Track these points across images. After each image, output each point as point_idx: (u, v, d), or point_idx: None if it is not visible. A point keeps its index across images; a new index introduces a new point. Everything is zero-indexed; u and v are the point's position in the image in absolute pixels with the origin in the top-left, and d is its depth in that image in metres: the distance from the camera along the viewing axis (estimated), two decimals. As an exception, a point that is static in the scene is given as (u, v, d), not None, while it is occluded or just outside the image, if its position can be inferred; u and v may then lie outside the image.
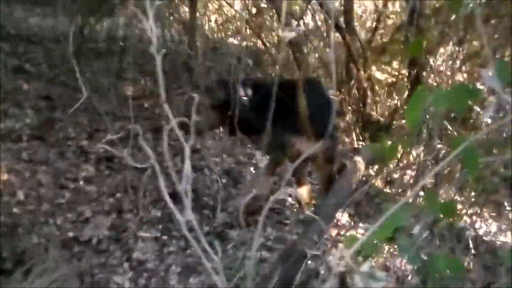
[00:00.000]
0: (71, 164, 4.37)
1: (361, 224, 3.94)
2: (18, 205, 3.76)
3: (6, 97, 5.21)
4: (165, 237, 3.64)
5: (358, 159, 3.94)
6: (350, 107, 5.53)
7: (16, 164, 4.28)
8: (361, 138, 5.43)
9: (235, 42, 6.56)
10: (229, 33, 6.44)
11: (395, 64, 6.05)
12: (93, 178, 4.20)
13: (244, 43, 6.36)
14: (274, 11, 6.05)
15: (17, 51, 6.66)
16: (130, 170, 4.13)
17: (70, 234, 3.55)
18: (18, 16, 7.56)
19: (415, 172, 3.97)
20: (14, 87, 5.52)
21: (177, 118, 1.65)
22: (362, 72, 5.48)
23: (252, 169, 4.63)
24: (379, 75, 6.08)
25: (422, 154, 3.88)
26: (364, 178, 4.28)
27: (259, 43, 6.56)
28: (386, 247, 2.93)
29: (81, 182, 4.12)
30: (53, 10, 7.57)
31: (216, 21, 6.72)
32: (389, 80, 6.08)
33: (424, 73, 5.18)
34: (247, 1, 6.37)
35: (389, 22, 6.50)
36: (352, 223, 4.00)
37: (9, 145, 4.53)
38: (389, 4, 6.36)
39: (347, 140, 5.46)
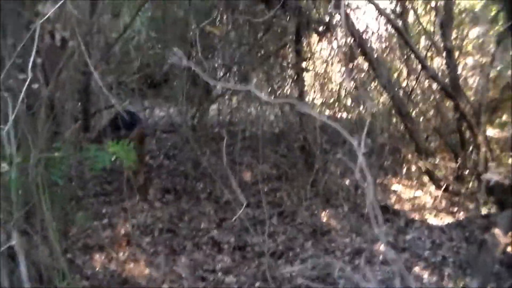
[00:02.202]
0: (207, 255, 4.54)
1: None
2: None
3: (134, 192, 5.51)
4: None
5: (497, 231, 3.85)
6: (470, 172, 5.42)
7: (154, 258, 4.50)
8: (487, 203, 5.28)
9: (342, 115, 6.66)
10: (336, 108, 6.56)
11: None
12: (230, 268, 4.33)
13: (350, 116, 6.45)
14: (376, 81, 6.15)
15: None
16: (266, 257, 4.22)
17: (222, 326, 3.66)
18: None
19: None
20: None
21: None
22: (478, 135, 5.39)
23: (382, 246, 4.60)
24: (493, 133, 5.96)
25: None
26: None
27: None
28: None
29: (219, 274, 4.25)
30: (162, 102, 8.04)
31: (321, 97, 6.88)
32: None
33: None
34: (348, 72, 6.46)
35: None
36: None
37: (145, 239, 4.77)
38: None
39: (471, 206, 5.32)
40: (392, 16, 5.97)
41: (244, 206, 2.72)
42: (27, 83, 2.10)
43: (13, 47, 2.77)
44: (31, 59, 2.12)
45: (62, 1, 2.32)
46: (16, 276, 3.40)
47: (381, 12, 5.32)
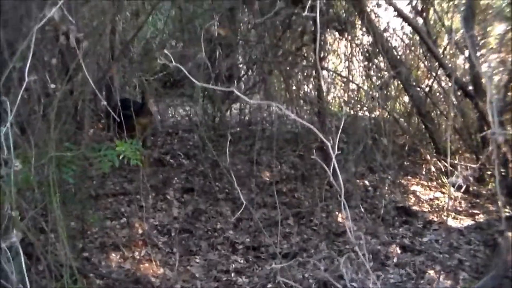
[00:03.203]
0: (221, 256, 4.56)
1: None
2: (177, 300, 3.96)
3: (153, 191, 5.57)
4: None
5: (510, 234, 3.79)
6: (491, 173, 5.33)
7: (169, 258, 4.54)
8: (507, 206, 5.17)
9: (362, 114, 6.58)
10: (358, 108, 6.48)
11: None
12: (243, 269, 4.34)
13: (373, 115, 6.38)
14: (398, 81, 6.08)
15: (156, 143, 7.12)
16: (278, 259, 4.22)
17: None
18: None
19: None
20: (160, 180, 5.90)
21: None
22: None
23: (398, 249, 4.56)
24: (516, 134, 5.82)
25: None
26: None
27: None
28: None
29: (233, 274, 4.26)
30: (184, 101, 8.09)
31: (341, 97, 6.83)
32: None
33: None
34: (370, 73, 6.40)
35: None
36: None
37: (161, 239, 4.82)
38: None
39: (491, 208, 5.23)
40: (412, 14, 5.91)
41: (243, 206, 2.70)
42: (24, 86, 2.14)
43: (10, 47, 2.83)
44: (28, 61, 2.16)
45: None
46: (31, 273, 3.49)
47: (399, 12, 5.26)
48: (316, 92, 6.16)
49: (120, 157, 3.25)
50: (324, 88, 5.94)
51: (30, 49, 2.17)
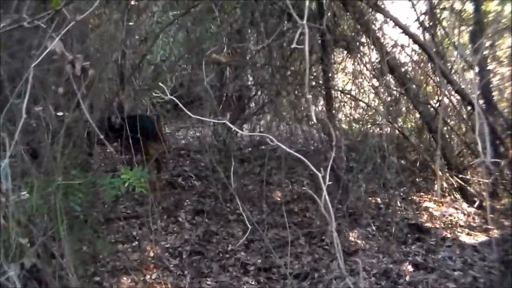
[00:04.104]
0: (233, 277, 4.55)
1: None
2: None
3: (165, 213, 5.59)
4: None
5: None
6: (504, 189, 5.28)
7: (180, 281, 4.53)
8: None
9: (373, 131, 6.56)
10: (369, 125, 6.46)
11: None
12: (255, 291, 4.33)
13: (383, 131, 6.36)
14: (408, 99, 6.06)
15: (168, 166, 7.14)
16: (289, 280, 4.19)
17: None
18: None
19: None
20: (171, 203, 5.92)
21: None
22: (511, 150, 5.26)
23: (410, 267, 4.51)
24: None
25: None
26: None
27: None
28: None
29: (245, 296, 4.25)
30: (194, 122, 8.13)
31: (351, 114, 6.83)
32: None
33: None
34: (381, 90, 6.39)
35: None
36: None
37: (173, 262, 4.82)
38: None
39: (506, 223, 5.17)
40: (420, 30, 5.89)
41: (252, 228, 2.69)
42: (22, 119, 2.15)
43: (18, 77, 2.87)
44: (25, 100, 2.17)
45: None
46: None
47: (405, 30, 5.26)
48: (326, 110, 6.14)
49: (126, 185, 3.27)
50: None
51: (28, 85, 2.19)
